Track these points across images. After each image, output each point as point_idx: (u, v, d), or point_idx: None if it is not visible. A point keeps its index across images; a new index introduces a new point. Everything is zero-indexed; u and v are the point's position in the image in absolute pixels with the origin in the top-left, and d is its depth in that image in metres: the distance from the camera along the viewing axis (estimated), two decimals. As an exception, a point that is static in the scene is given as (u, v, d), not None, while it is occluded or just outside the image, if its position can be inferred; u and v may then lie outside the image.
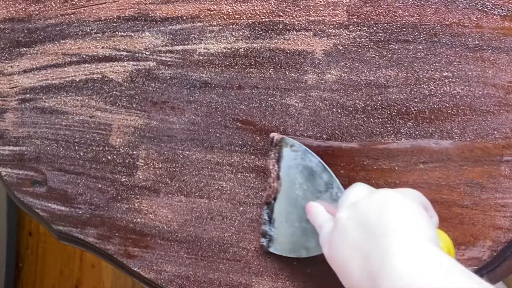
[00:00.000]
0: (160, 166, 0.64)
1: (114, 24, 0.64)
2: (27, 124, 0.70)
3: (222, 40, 0.60)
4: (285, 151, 0.57)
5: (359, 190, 0.46)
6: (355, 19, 0.56)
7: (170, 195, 0.64)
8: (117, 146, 0.66)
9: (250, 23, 0.59)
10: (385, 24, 0.55)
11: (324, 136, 0.58)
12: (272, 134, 0.59)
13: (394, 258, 0.34)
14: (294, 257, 0.58)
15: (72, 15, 0.66)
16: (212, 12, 0.61)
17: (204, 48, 0.61)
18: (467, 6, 0.52)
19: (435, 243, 0.36)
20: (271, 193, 0.58)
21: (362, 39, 0.56)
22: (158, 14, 0.63)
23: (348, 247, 0.40)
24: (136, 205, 0.66)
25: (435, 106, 0.54)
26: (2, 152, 0.72)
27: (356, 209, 0.42)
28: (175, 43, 0.62)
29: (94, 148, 0.67)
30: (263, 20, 0.59)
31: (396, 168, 0.56)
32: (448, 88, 0.54)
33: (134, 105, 0.65)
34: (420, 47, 0.54)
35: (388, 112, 0.56)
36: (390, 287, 0.33)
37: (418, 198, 0.44)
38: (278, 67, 0.59)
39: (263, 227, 0.59)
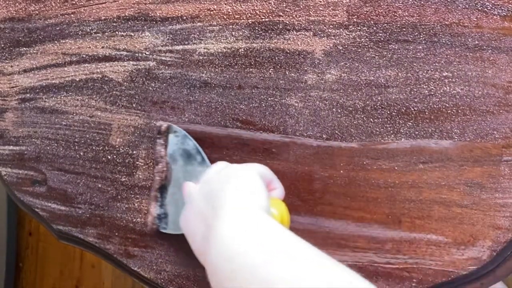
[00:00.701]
0: (160, 166, 0.64)
1: (114, 24, 0.64)
2: (27, 123, 0.70)
3: (222, 40, 0.60)
4: (170, 138, 0.62)
5: (216, 168, 0.50)
6: (355, 19, 0.56)
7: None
8: (117, 146, 0.66)
9: (250, 23, 0.59)
10: (385, 24, 0.55)
11: (324, 136, 0.58)
12: (159, 123, 0.63)
13: (223, 224, 0.38)
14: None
15: (72, 15, 0.66)
16: (212, 12, 0.61)
17: (204, 48, 0.61)
18: (467, 6, 0.53)
19: (266, 211, 0.40)
20: (162, 178, 0.62)
21: (362, 39, 0.56)
22: (158, 14, 0.63)
23: (195, 217, 0.45)
24: (136, 204, 0.66)
25: (435, 106, 0.54)
26: (2, 151, 0.72)
27: (206, 183, 0.47)
28: (175, 43, 0.62)
29: (94, 147, 0.67)
30: (263, 20, 0.59)
31: (396, 168, 0.56)
32: (448, 88, 0.54)
33: (134, 105, 0.65)
34: (420, 47, 0.54)
35: (388, 112, 0.56)
36: (214, 248, 0.37)
37: (262, 172, 0.48)
38: (278, 67, 0.59)
39: (156, 210, 0.63)
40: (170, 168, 0.62)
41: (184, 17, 0.62)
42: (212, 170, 0.49)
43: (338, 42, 0.56)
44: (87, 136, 0.67)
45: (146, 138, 0.65)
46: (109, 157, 0.67)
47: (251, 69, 0.60)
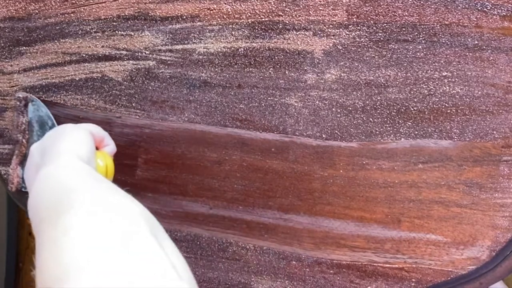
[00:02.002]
0: (160, 165, 0.64)
1: (114, 23, 0.64)
2: (27, 123, 0.70)
3: (221, 40, 0.60)
4: (29, 107, 0.67)
5: (55, 128, 0.56)
6: (354, 19, 0.56)
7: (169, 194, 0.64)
8: (117, 145, 0.66)
9: (249, 22, 0.59)
10: (385, 24, 0.55)
11: (323, 136, 0.58)
12: (20, 94, 0.67)
13: (44, 166, 0.45)
14: None
15: (72, 14, 0.66)
16: (212, 12, 0.61)
17: (203, 48, 0.61)
18: (466, 6, 0.53)
19: (85, 160, 0.47)
20: (24, 144, 0.66)
21: (362, 39, 0.56)
22: (158, 13, 0.63)
23: (31, 168, 0.51)
24: (135, 204, 0.66)
25: (435, 106, 0.54)
26: (2, 151, 0.72)
27: (44, 140, 0.52)
28: (175, 42, 0.62)
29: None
30: (263, 19, 0.59)
31: (395, 168, 0.56)
32: (447, 88, 0.54)
33: (133, 104, 0.65)
34: (420, 47, 0.54)
35: (388, 111, 0.56)
36: (37, 180, 0.43)
37: (92, 130, 0.54)
38: (278, 66, 0.59)
39: (20, 173, 0.67)
40: (29, 134, 0.67)
41: (184, 17, 0.62)
42: (52, 130, 0.55)
43: (337, 41, 0.57)
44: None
45: (146, 137, 0.65)
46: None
47: (250, 69, 0.60)
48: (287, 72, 0.59)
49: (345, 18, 0.56)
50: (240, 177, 0.62)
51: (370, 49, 0.56)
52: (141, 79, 0.64)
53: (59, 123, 0.68)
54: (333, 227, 0.59)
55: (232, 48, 0.60)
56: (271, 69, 0.59)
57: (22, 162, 0.67)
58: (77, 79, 0.67)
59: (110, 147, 0.57)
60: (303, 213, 0.60)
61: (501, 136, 0.53)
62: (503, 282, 0.92)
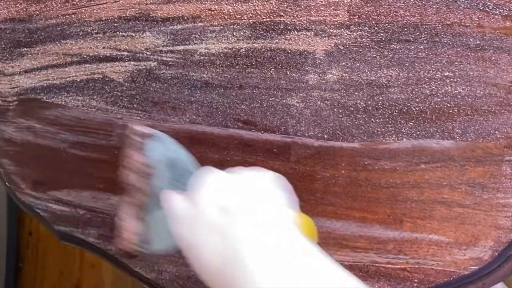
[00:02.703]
0: (161, 166, 0.64)
1: (115, 24, 0.64)
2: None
3: (223, 40, 0.60)
4: (150, 143, 0.50)
5: (215, 173, 0.44)
6: (356, 19, 0.56)
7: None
8: (118, 146, 0.66)
9: (251, 23, 0.59)
10: (386, 24, 0.55)
11: (325, 136, 0.58)
12: (140, 127, 0.50)
13: (246, 244, 0.36)
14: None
15: (73, 15, 0.66)
16: (213, 12, 0.60)
17: (205, 48, 0.61)
18: (468, 6, 0.52)
19: (293, 223, 0.38)
20: (145, 194, 0.49)
21: (363, 39, 0.56)
22: (159, 14, 0.62)
23: (204, 229, 0.39)
24: (137, 205, 0.66)
25: (437, 106, 0.54)
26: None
27: (214, 190, 0.41)
28: (176, 43, 0.62)
29: (95, 147, 0.67)
30: (264, 20, 0.59)
31: (398, 168, 0.56)
32: (449, 88, 0.54)
33: (135, 105, 0.65)
34: (422, 47, 0.54)
35: (390, 112, 0.56)
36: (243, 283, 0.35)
37: (281, 181, 0.44)
38: (279, 67, 0.59)
39: (135, 228, 0.49)
40: (151, 179, 0.49)
41: (185, 17, 0.61)
42: (212, 175, 0.43)
43: (339, 42, 0.56)
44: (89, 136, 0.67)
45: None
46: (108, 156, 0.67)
47: (252, 69, 0.60)
48: (288, 73, 0.58)
49: (346, 19, 0.56)
50: (242, 177, 0.62)
51: (371, 49, 0.56)
52: (142, 80, 0.64)
53: (59, 124, 0.68)
54: (335, 227, 0.59)
55: (234, 49, 0.60)
56: (273, 69, 0.59)
57: (139, 214, 0.49)
58: (78, 80, 0.67)
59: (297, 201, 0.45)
60: (304, 213, 0.59)
61: (503, 136, 0.53)
62: (504, 282, 0.92)
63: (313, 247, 0.36)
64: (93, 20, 0.65)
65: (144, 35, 0.63)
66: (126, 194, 0.49)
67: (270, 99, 0.59)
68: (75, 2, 0.66)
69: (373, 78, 0.56)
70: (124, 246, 0.49)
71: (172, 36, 0.62)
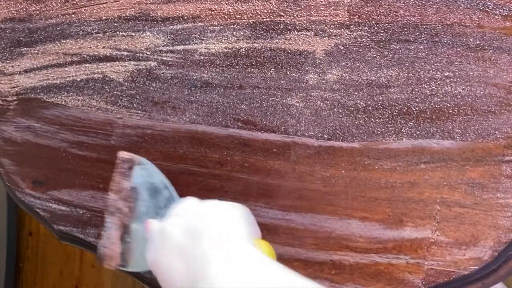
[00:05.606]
0: (161, 165, 0.64)
1: (115, 24, 0.64)
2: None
3: (223, 40, 0.60)
4: (136, 171, 0.56)
5: (188, 202, 0.48)
6: (356, 19, 0.56)
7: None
8: (118, 146, 0.66)
9: (251, 23, 0.59)
10: (386, 24, 0.55)
11: (325, 136, 0.58)
12: (124, 154, 0.56)
13: (213, 266, 0.38)
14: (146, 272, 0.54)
15: (73, 15, 0.66)
16: (213, 12, 0.61)
17: (205, 48, 0.61)
18: (468, 6, 0.52)
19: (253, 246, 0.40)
20: (128, 216, 0.55)
21: (363, 39, 0.56)
22: (159, 14, 0.62)
23: (170, 253, 0.42)
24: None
25: (436, 106, 0.54)
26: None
27: (183, 216, 0.44)
28: (176, 43, 0.62)
29: (95, 148, 0.67)
30: (264, 20, 0.59)
31: (397, 168, 0.56)
32: (449, 88, 0.54)
33: (135, 105, 0.65)
34: (421, 47, 0.54)
35: (389, 112, 0.56)
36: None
37: (245, 213, 0.47)
38: (279, 67, 0.59)
39: (118, 248, 0.55)
40: (135, 204, 0.55)
41: (185, 17, 0.61)
42: (185, 204, 0.48)
43: (339, 42, 0.56)
44: (89, 136, 0.67)
45: (147, 138, 0.65)
46: (109, 157, 0.67)
47: (252, 69, 0.60)
48: (288, 73, 0.58)
49: (346, 18, 0.56)
50: (242, 178, 0.62)
51: (371, 49, 0.56)
52: (142, 79, 0.64)
53: (59, 124, 0.68)
54: (335, 227, 0.59)
55: (234, 49, 0.60)
56: (273, 69, 0.59)
57: (122, 235, 0.55)
58: (78, 80, 0.67)
59: (258, 231, 0.50)
60: (304, 213, 0.59)
61: (503, 136, 0.53)
62: (503, 283, 0.92)
63: (275, 263, 0.38)
64: (93, 19, 0.65)
65: (144, 35, 0.63)
66: (111, 216, 0.55)
67: (270, 99, 0.59)
68: (75, 2, 0.66)
69: (373, 78, 0.56)
70: (106, 263, 0.54)
71: (172, 36, 0.62)
